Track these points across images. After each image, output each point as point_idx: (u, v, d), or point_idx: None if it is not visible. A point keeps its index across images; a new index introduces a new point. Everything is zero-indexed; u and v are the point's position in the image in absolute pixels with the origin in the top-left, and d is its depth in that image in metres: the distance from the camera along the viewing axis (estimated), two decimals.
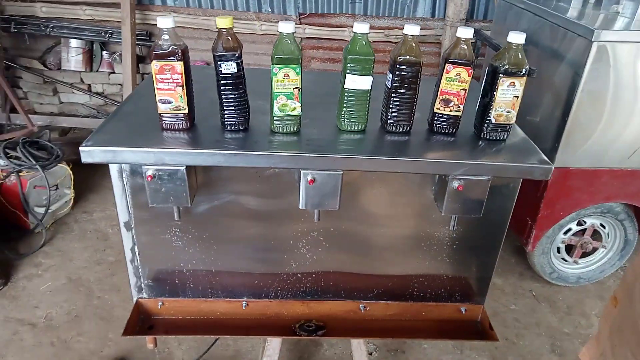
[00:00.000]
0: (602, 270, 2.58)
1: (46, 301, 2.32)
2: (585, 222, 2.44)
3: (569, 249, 2.54)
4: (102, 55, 3.58)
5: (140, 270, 1.56)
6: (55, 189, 2.78)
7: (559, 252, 2.52)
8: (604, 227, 2.47)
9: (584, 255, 2.55)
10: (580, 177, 2.19)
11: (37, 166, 2.63)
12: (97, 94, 3.70)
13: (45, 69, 3.61)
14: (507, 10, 2.63)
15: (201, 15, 3.47)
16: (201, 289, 1.61)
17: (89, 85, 3.68)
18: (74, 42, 3.50)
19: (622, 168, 2.18)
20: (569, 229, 2.44)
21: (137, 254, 1.52)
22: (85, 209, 3.00)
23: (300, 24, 3.51)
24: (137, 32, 3.39)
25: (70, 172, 2.84)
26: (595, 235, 2.48)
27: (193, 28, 3.49)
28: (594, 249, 2.52)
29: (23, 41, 3.55)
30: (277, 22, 3.60)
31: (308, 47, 3.60)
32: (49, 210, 2.72)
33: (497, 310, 2.41)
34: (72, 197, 2.91)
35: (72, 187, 2.89)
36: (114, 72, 3.63)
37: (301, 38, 3.54)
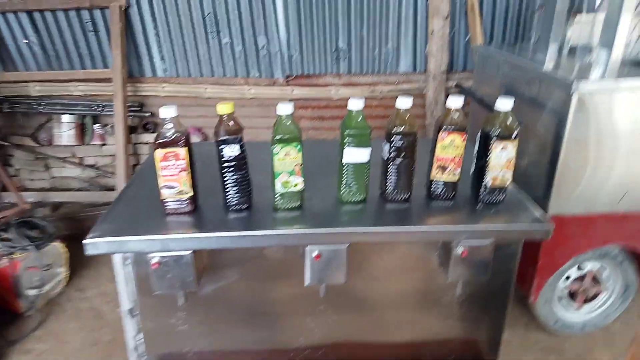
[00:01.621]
0: (607, 316, 2.55)
1: None
2: (584, 267, 2.44)
3: (572, 295, 2.52)
4: (93, 128, 3.62)
5: (144, 358, 1.51)
6: (48, 269, 2.72)
7: (561, 300, 2.51)
8: (604, 271, 2.47)
9: (587, 301, 2.54)
10: (574, 223, 2.22)
11: (31, 247, 2.58)
12: (89, 166, 3.71)
13: (37, 145, 3.62)
14: (486, 61, 2.75)
15: (191, 83, 3.57)
16: None
17: (81, 158, 3.69)
18: (65, 118, 3.54)
19: (615, 212, 2.21)
20: (569, 276, 2.44)
21: (140, 341, 1.48)
22: (79, 286, 2.92)
23: (288, 85, 3.61)
24: (128, 104, 3.46)
25: (64, 249, 2.79)
26: (596, 280, 2.48)
27: (184, 96, 3.57)
28: (596, 294, 2.52)
29: (15, 120, 3.58)
30: (266, 86, 3.68)
31: (297, 106, 3.69)
32: (42, 292, 2.64)
33: None
34: (66, 276, 2.84)
35: (65, 265, 2.83)
36: (105, 144, 3.65)
37: (289, 99, 3.64)
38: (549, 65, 2.30)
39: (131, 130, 3.58)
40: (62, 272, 2.83)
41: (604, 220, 2.23)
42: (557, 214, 2.16)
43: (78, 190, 3.70)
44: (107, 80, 3.37)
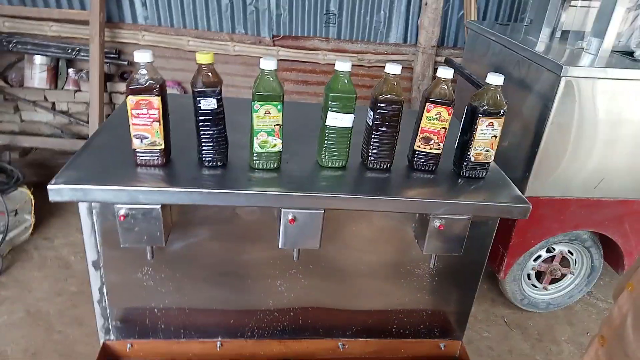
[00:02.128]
0: (571, 296, 2.64)
1: (1, 337, 2.16)
2: (554, 250, 2.50)
3: (539, 275, 2.59)
4: (67, 73, 3.45)
5: (108, 311, 1.47)
6: (15, 215, 2.63)
7: (529, 278, 2.57)
8: (572, 254, 2.54)
9: (553, 281, 2.61)
10: (550, 206, 2.24)
11: None
12: (62, 112, 3.56)
13: (7, 85, 3.44)
14: (477, 39, 2.71)
15: (173, 34, 3.41)
16: (173, 329, 1.53)
17: (53, 103, 3.53)
18: (38, 59, 3.36)
19: (589, 197, 2.24)
20: (539, 256, 2.49)
21: (105, 294, 1.44)
22: (46, 235, 2.85)
23: (274, 45, 3.50)
24: (105, 50, 3.29)
25: (31, 196, 2.70)
26: (564, 261, 2.54)
27: (164, 47, 3.42)
28: (563, 276, 2.58)
29: None
30: (251, 44, 3.55)
31: (282, 69, 3.59)
32: (7, 237, 2.56)
33: (471, 339, 2.42)
34: (32, 223, 2.76)
35: (32, 212, 2.74)
36: (80, 90, 3.50)
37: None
38: (540, 47, 2.27)
39: (107, 78, 3.43)
40: (29, 219, 2.74)
41: (577, 205, 2.26)
42: (534, 196, 2.18)
43: (49, 136, 3.56)
44: (84, 22, 3.19)
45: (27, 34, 3.30)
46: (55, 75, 3.44)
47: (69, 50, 3.33)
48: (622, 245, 2.39)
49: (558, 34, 2.46)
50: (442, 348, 1.66)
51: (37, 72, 3.38)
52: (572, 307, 2.71)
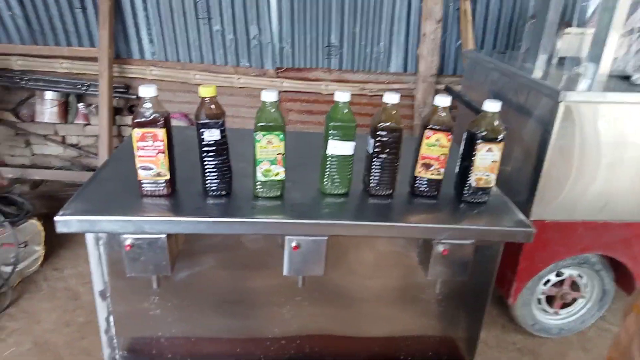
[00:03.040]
0: (583, 321, 2.59)
1: None
2: (563, 273, 2.47)
3: (550, 300, 2.55)
4: (77, 107, 3.54)
5: (114, 340, 1.48)
6: (24, 246, 2.66)
7: (539, 303, 2.53)
8: (582, 278, 2.50)
9: (565, 306, 2.57)
10: (556, 229, 2.23)
11: (6, 223, 2.52)
12: (72, 145, 3.64)
13: (18, 120, 3.54)
14: (476, 67, 2.76)
15: (180, 68, 3.51)
16: (180, 358, 1.53)
17: (64, 137, 3.62)
18: (49, 94, 3.46)
19: (595, 220, 2.23)
20: (548, 280, 2.46)
21: (112, 323, 1.45)
22: (56, 265, 2.87)
23: (278, 77, 3.58)
24: (114, 85, 3.39)
25: (41, 228, 2.73)
26: (574, 285, 2.51)
27: (171, 81, 3.51)
28: (574, 300, 2.55)
29: None
30: (255, 76, 3.64)
31: (286, 99, 3.66)
32: (17, 269, 2.59)
33: None
34: (42, 254, 2.79)
35: (42, 244, 2.77)
36: (89, 124, 3.59)
37: (279, 91, 3.61)
38: (537, 74, 2.31)
39: (116, 111, 3.52)
40: (39, 250, 2.77)
41: (584, 228, 2.25)
42: (539, 220, 2.18)
43: (59, 169, 3.63)
44: (93, 59, 3.30)
45: (39, 71, 3.42)
46: (65, 110, 3.54)
47: (79, 86, 3.44)
48: (632, 267, 2.36)
49: (555, 60, 2.51)
50: None
51: (48, 107, 3.47)
52: (586, 332, 2.66)
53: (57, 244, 3.00)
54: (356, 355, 1.61)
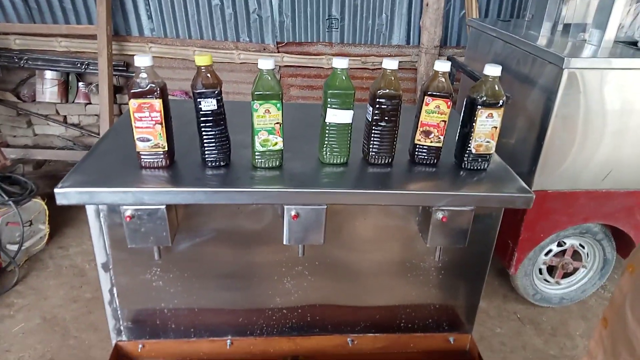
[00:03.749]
0: (584, 290, 2.60)
1: (18, 344, 2.21)
2: (565, 243, 2.47)
3: (551, 270, 2.56)
4: (78, 87, 3.53)
5: (119, 311, 1.50)
6: (29, 225, 2.69)
7: (541, 273, 2.55)
8: (584, 248, 2.51)
9: (566, 275, 2.58)
10: (558, 199, 2.23)
11: (10, 202, 2.54)
12: (73, 125, 3.64)
13: (19, 101, 3.53)
14: (479, 37, 2.71)
15: (179, 45, 3.47)
16: (183, 329, 1.56)
17: (65, 116, 3.61)
18: (49, 74, 3.44)
19: (598, 189, 2.22)
20: (550, 250, 2.47)
21: (115, 295, 1.47)
22: (61, 244, 2.91)
23: (279, 52, 3.54)
24: (114, 63, 3.37)
25: (45, 207, 2.76)
26: (576, 255, 2.51)
27: (171, 58, 3.48)
28: (575, 269, 2.56)
29: None
30: (255, 52, 3.60)
31: (286, 75, 3.63)
32: (23, 247, 2.62)
33: (483, 335, 2.40)
34: (47, 233, 2.82)
35: (47, 222, 2.80)
36: (90, 103, 3.57)
37: (279, 66, 3.57)
38: (541, 41, 2.27)
39: (116, 90, 3.50)
40: (44, 229, 2.80)
41: (586, 198, 2.24)
42: (541, 190, 2.17)
43: (61, 148, 3.64)
44: (92, 37, 3.27)
45: (38, 50, 3.39)
46: (65, 89, 3.53)
47: (79, 65, 3.41)
48: (635, 236, 2.36)
49: (560, 27, 2.45)
50: (452, 342, 1.65)
51: (48, 86, 3.46)
52: (586, 301, 2.68)
53: (61, 223, 3.03)
54: (357, 323, 1.63)
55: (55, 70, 3.44)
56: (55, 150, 3.62)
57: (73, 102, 3.57)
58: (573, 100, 2.00)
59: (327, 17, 3.47)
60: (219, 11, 3.37)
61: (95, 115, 3.59)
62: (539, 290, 2.56)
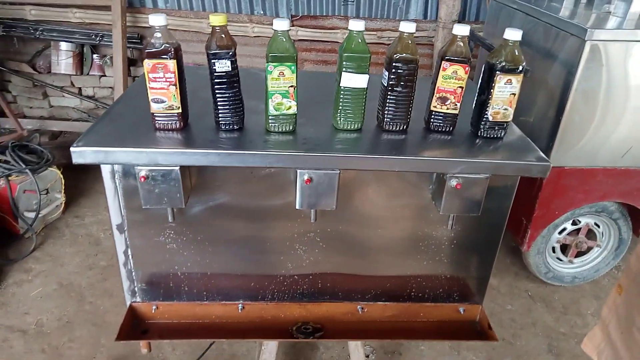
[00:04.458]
0: (597, 270, 2.58)
1: (37, 307, 2.27)
2: (579, 222, 2.44)
3: (564, 248, 2.54)
4: (92, 59, 3.54)
5: (133, 273, 1.52)
6: (46, 194, 2.74)
7: (554, 251, 2.52)
8: (599, 227, 2.48)
9: (579, 254, 2.56)
10: (574, 176, 2.19)
11: (27, 170, 2.58)
12: (88, 97, 3.66)
13: (35, 72, 3.56)
14: (499, 10, 2.64)
15: (193, 17, 3.45)
16: (196, 292, 1.58)
17: (80, 88, 3.64)
18: (64, 45, 3.46)
19: (616, 167, 2.18)
20: (564, 229, 2.44)
21: (130, 257, 1.49)
22: (77, 213, 2.96)
23: (293, 26, 3.50)
24: (128, 35, 3.36)
25: (61, 176, 2.80)
26: (590, 234, 2.48)
27: (185, 30, 3.46)
28: (589, 249, 2.53)
29: (12, 44, 3.50)
30: (270, 25, 3.57)
31: (301, 49, 3.59)
32: (40, 215, 2.68)
33: (493, 311, 2.40)
34: (63, 202, 2.87)
35: (62, 192, 2.84)
36: (104, 75, 3.59)
37: (294, 40, 3.53)
38: (564, 13, 2.20)
39: (130, 62, 3.50)
40: (60, 198, 2.84)
41: (604, 175, 2.20)
42: (558, 166, 2.14)
43: (76, 120, 3.68)
44: (106, 8, 3.26)
45: (53, 21, 3.40)
46: (80, 61, 3.54)
47: (93, 36, 3.42)
48: None
49: (584, 0, 2.38)
50: (462, 312, 1.65)
51: (63, 58, 3.48)
52: (599, 281, 2.65)
53: (77, 193, 3.08)
54: (367, 291, 1.63)
55: (70, 42, 3.45)
56: (71, 122, 3.66)
57: (88, 74, 3.59)
58: (595, 74, 1.95)
59: None
60: None
61: (110, 87, 3.60)
62: (551, 269, 2.54)
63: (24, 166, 2.59)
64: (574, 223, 2.44)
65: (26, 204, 2.63)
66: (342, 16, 3.51)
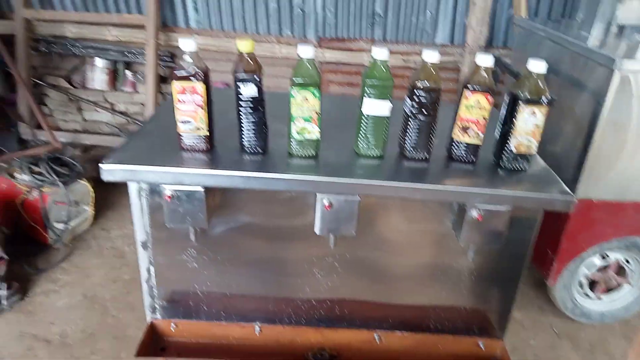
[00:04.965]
0: (628, 309, 2.47)
1: (62, 317, 2.32)
2: (608, 256, 2.36)
3: (592, 284, 2.45)
4: (125, 75, 3.67)
5: (155, 290, 1.55)
6: (76, 206, 2.82)
7: (581, 286, 2.44)
8: (629, 263, 2.38)
9: (608, 291, 2.46)
10: (603, 209, 2.13)
11: (59, 182, 2.67)
12: (120, 112, 3.78)
13: (71, 87, 3.70)
14: (527, 37, 2.63)
15: (223, 37, 3.55)
16: (215, 311, 1.59)
17: (112, 104, 3.76)
18: (99, 62, 3.59)
19: None
20: (592, 263, 2.36)
21: (152, 273, 1.52)
22: (104, 226, 3.03)
23: (320, 48, 3.55)
24: (160, 53, 3.47)
25: (91, 189, 2.88)
26: (620, 270, 2.39)
27: (215, 50, 3.56)
28: (619, 285, 2.43)
29: (51, 60, 3.66)
30: (297, 46, 3.64)
31: (327, 71, 3.64)
32: (69, 227, 2.75)
33: (515, 345, 2.32)
34: (92, 214, 2.95)
35: (91, 204, 2.92)
36: (136, 92, 3.70)
37: (320, 62, 3.59)
38: (593, 42, 2.18)
39: (162, 79, 3.61)
40: (89, 210, 2.92)
41: (635, 209, 2.13)
42: (585, 198, 2.08)
43: (108, 134, 3.79)
44: (140, 27, 3.38)
45: (89, 39, 3.55)
46: (114, 77, 3.67)
47: (127, 54, 3.54)
48: None
49: (614, 29, 2.35)
50: (482, 347, 1.61)
51: (98, 74, 3.61)
52: (630, 320, 2.54)
53: (105, 206, 3.16)
54: (385, 320, 1.61)
55: (105, 59, 3.58)
56: (103, 135, 3.78)
57: (120, 90, 3.71)
58: (624, 104, 1.91)
59: (370, 14, 3.45)
60: (263, 5, 3.42)
61: (141, 103, 3.72)
62: (578, 305, 2.45)
63: (56, 178, 2.68)
64: (602, 257, 2.36)
65: (56, 215, 2.71)
66: (368, 39, 3.55)
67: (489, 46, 3.48)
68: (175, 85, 1.25)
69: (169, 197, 1.28)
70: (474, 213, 1.29)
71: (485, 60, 1.30)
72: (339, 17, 3.45)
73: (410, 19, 3.44)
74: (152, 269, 1.52)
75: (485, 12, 3.27)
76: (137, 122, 3.77)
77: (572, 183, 2.07)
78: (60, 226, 2.72)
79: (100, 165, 1.27)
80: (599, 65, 1.94)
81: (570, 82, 2.15)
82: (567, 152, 2.15)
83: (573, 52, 2.14)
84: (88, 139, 3.73)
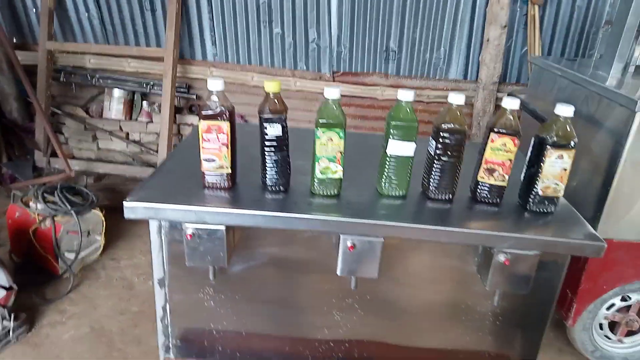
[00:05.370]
0: None
1: (68, 350, 2.27)
2: (630, 298, 2.29)
3: (613, 326, 2.38)
4: (142, 105, 3.72)
5: (169, 329, 1.52)
6: (87, 235, 2.81)
7: (601, 328, 2.37)
8: None
9: (630, 333, 2.39)
10: (624, 249, 2.09)
11: (72, 211, 2.67)
12: (134, 142, 3.81)
13: (88, 116, 3.76)
14: (542, 74, 2.64)
15: (239, 70, 3.60)
16: (230, 352, 1.55)
17: (127, 133, 3.80)
18: (116, 92, 3.66)
19: None
20: (613, 304, 2.30)
21: (168, 312, 1.49)
22: (113, 255, 3.01)
23: (334, 81, 3.59)
24: (176, 85, 3.53)
25: (103, 218, 2.87)
26: None
27: (230, 83, 3.61)
28: None
29: (70, 90, 3.73)
30: (312, 80, 3.68)
31: (341, 103, 3.67)
32: (79, 256, 2.73)
33: None
34: (102, 244, 2.93)
35: (103, 234, 2.91)
36: (151, 122, 3.75)
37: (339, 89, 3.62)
38: (611, 82, 2.18)
39: (177, 110, 3.66)
40: (99, 240, 2.91)
41: None
42: (606, 238, 2.04)
43: (122, 163, 3.82)
44: (159, 59, 3.45)
45: (109, 70, 3.62)
46: (130, 107, 3.73)
47: (144, 85, 3.60)
48: None
49: (631, 69, 2.35)
50: None
51: (115, 104, 3.67)
52: None
53: (115, 235, 3.14)
54: None
55: (123, 89, 3.65)
56: (116, 164, 3.80)
57: (136, 120, 3.76)
58: None
59: (384, 49, 3.51)
60: (279, 40, 3.48)
61: (155, 133, 3.75)
62: (598, 347, 2.38)
63: (69, 208, 2.67)
64: (623, 299, 2.30)
65: (68, 245, 2.70)
66: (382, 73, 3.59)
67: (502, 82, 3.50)
68: (202, 125, 1.25)
69: (190, 235, 1.26)
70: (501, 257, 1.26)
71: (512, 104, 1.29)
72: (353, 52, 3.51)
73: (424, 55, 3.49)
74: (168, 307, 1.48)
75: (500, 50, 3.31)
76: (150, 150, 3.80)
77: (592, 222, 2.02)
78: (71, 256, 2.70)
79: (123, 202, 1.25)
80: (620, 105, 1.94)
81: (587, 121, 2.14)
82: (585, 191, 2.13)
83: (591, 92, 2.14)
84: (101, 167, 3.76)
